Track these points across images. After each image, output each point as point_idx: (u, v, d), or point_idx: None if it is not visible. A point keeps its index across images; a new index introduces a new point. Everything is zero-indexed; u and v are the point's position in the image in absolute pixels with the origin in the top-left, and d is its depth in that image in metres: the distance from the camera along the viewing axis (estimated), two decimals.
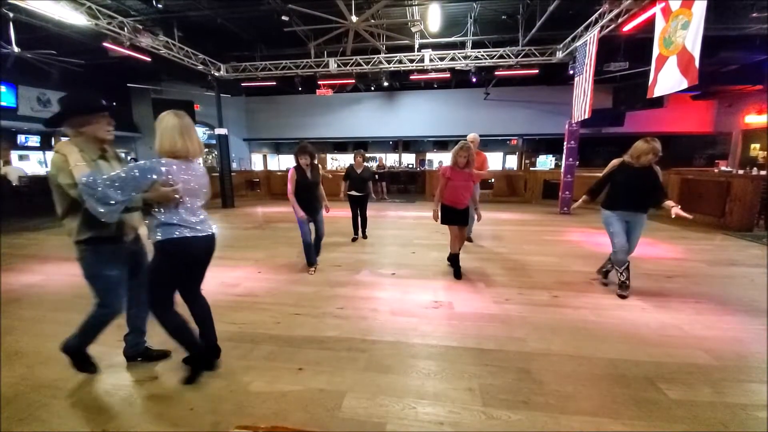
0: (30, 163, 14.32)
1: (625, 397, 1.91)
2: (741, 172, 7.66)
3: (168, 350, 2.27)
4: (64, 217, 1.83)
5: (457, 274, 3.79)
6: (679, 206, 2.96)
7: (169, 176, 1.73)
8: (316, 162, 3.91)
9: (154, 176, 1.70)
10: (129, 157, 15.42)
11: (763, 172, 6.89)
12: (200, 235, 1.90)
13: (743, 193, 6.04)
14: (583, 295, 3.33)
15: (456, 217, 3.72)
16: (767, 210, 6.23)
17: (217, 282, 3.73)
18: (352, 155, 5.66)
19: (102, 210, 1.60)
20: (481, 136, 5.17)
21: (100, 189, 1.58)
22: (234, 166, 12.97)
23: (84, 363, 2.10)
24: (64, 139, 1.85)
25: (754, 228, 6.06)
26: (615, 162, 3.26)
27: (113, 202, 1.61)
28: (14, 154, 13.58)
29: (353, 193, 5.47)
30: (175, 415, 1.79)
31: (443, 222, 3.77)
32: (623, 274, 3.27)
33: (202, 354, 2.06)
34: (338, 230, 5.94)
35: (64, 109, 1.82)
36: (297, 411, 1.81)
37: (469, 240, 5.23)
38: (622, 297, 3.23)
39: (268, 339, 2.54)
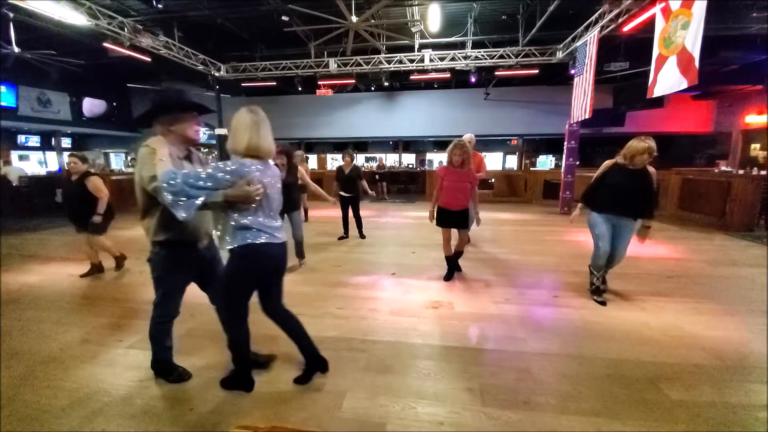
0: (30, 163, 14.32)
1: (625, 397, 1.91)
2: (741, 172, 7.66)
3: (273, 354, 2.22)
4: (144, 216, 1.80)
5: (447, 275, 3.71)
6: (648, 239, 3.04)
7: (254, 176, 1.64)
8: (295, 162, 3.86)
9: (237, 176, 1.60)
10: (129, 158, 15.43)
11: (763, 172, 6.89)
12: (278, 242, 1.80)
13: (743, 193, 6.03)
14: (584, 295, 3.32)
15: (449, 219, 3.55)
16: (767, 210, 6.23)
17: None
18: (354, 155, 5.65)
19: (179, 206, 1.53)
20: (481, 136, 5.16)
21: (179, 184, 1.51)
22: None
23: (173, 373, 2.04)
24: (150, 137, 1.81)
25: (754, 228, 6.06)
26: (608, 163, 3.10)
27: (191, 198, 1.53)
28: (14, 154, 13.59)
29: (342, 193, 5.43)
30: (175, 415, 1.79)
31: (437, 224, 3.65)
32: (600, 278, 3.18)
33: (242, 380, 1.96)
34: (337, 231, 5.94)
35: (156, 105, 1.79)
36: (297, 411, 1.81)
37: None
38: (601, 303, 3.07)
39: (268, 339, 2.54)
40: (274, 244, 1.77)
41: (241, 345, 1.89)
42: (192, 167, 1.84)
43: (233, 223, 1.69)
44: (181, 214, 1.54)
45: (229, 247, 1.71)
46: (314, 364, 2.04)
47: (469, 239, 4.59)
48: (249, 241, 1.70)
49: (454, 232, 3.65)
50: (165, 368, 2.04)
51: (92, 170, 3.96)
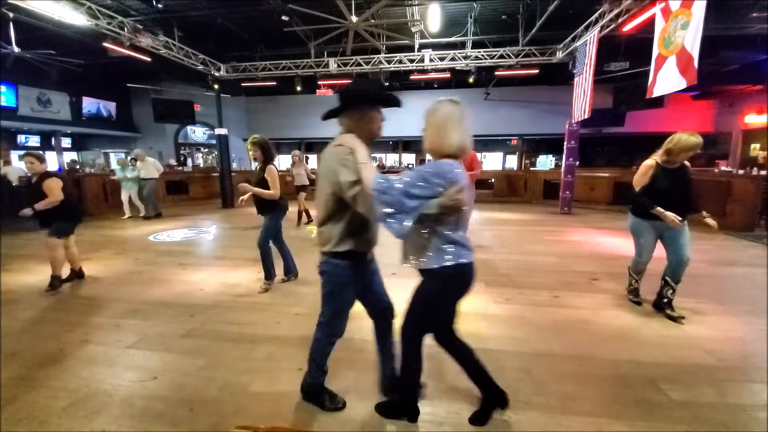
0: None
1: (626, 397, 1.91)
2: (741, 172, 7.66)
3: (424, 382, 1.91)
4: (324, 222, 1.59)
5: None
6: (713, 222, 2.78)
7: (463, 180, 1.39)
8: (274, 155, 3.43)
9: (448, 181, 1.36)
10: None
11: (763, 172, 6.89)
12: (473, 260, 1.55)
13: (744, 193, 6.03)
14: (584, 295, 3.32)
15: None
16: (767, 210, 6.22)
17: (217, 282, 3.72)
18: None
19: (393, 219, 1.32)
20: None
21: (394, 193, 1.31)
22: (234, 166, 12.96)
23: (326, 398, 1.84)
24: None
25: (754, 228, 6.06)
26: (650, 164, 2.78)
27: (406, 210, 1.32)
28: (14, 154, 13.57)
29: None
30: (175, 415, 1.78)
31: None
32: (638, 281, 3.12)
33: (408, 408, 1.75)
34: None
35: (349, 97, 1.56)
36: (297, 411, 1.81)
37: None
38: (637, 303, 3.08)
39: (268, 339, 2.54)
40: (473, 264, 1.55)
41: (414, 371, 1.69)
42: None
43: (439, 239, 1.45)
44: (394, 229, 1.33)
45: (432, 266, 1.47)
46: (493, 398, 1.73)
47: None
48: (459, 260, 1.46)
49: None
50: (319, 392, 1.84)
51: (51, 170, 3.64)
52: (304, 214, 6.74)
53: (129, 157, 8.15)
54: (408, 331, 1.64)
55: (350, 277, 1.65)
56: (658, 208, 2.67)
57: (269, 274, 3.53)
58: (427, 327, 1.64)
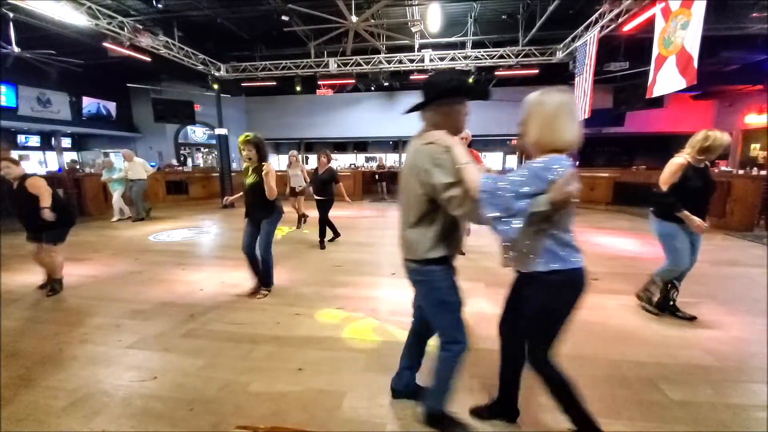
0: (30, 163, 14.29)
1: (626, 397, 1.90)
2: (741, 172, 7.66)
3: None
4: (413, 225, 1.45)
5: None
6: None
7: (569, 173, 1.25)
8: (267, 155, 3.15)
9: (555, 175, 1.23)
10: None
11: (763, 172, 6.89)
12: (584, 265, 1.40)
13: (744, 194, 6.03)
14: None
15: None
16: (767, 210, 6.22)
17: (217, 282, 3.72)
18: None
19: (503, 222, 1.22)
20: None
21: (502, 193, 1.22)
22: (234, 166, 12.96)
23: (452, 424, 1.67)
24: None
25: (754, 228, 6.05)
26: (680, 163, 2.62)
27: (515, 211, 1.21)
28: (14, 154, 13.58)
29: (315, 196, 5.07)
30: (175, 415, 1.78)
31: None
32: (666, 291, 2.87)
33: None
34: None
35: (439, 90, 1.40)
36: (297, 411, 1.81)
37: (461, 253, 4.70)
38: (691, 319, 2.80)
39: (268, 339, 2.54)
40: (584, 268, 1.39)
41: (570, 388, 1.47)
42: None
43: (548, 240, 1.33)
44: (503, 232, 1.23)
45: (547, 269, 1.33)
46: (505, 407, 1.67)
47: (463, 252, 4.17)
48: (570, 265, 1.34)
49: None
50: (443, 416, 1.66)
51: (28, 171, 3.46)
52: (302, 217, 6.53)
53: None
54: (539, 356, 1.46)
55: (453, 280, 1.53)
56: (685, 212, 2.56)
57: (271, 281, 3.40)
58: (551, 338, 1.46)
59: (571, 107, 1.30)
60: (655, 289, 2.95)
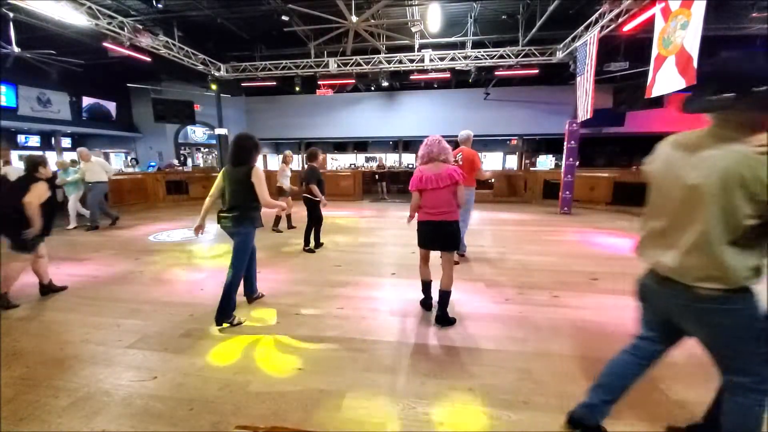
0: None
1: (626, 397, 1.90)
2: None
3: None
4: (729, 245, 1.16)
5: (423, 303, 2.97)
6: None
7: None
8: (253, 157, 2.73)
9: None
10: (129, 158, 15.43)
11: None
12: None
13: None
14: (584, 295, 3.32)
15: (429, 235, 2.74)
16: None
17: (217, 282, 3.72)
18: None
19: None
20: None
21: None
22: None
23: None
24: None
25: None
26: None
27: None
28: (14, 154, 13.56)
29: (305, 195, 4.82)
30: (175, 415, 1.79)
31: (418, 243, 2.85)
32: None
33: None
34: (333, 231, 5.94)
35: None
36: (297, 411, 1.81)
37: (461, 256, 4.34)
38: None
39: (268, 339, 2.54)
40: None
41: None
42: None
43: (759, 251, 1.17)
44: None
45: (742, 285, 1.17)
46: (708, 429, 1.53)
47: (458, 261, 4.02)
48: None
49: (435, 254, 2.80)
50: None
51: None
52: (287, 218, 6.32)
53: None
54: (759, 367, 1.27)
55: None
56: None
57: (231, 314, 2.76)
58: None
59: None
60: None
